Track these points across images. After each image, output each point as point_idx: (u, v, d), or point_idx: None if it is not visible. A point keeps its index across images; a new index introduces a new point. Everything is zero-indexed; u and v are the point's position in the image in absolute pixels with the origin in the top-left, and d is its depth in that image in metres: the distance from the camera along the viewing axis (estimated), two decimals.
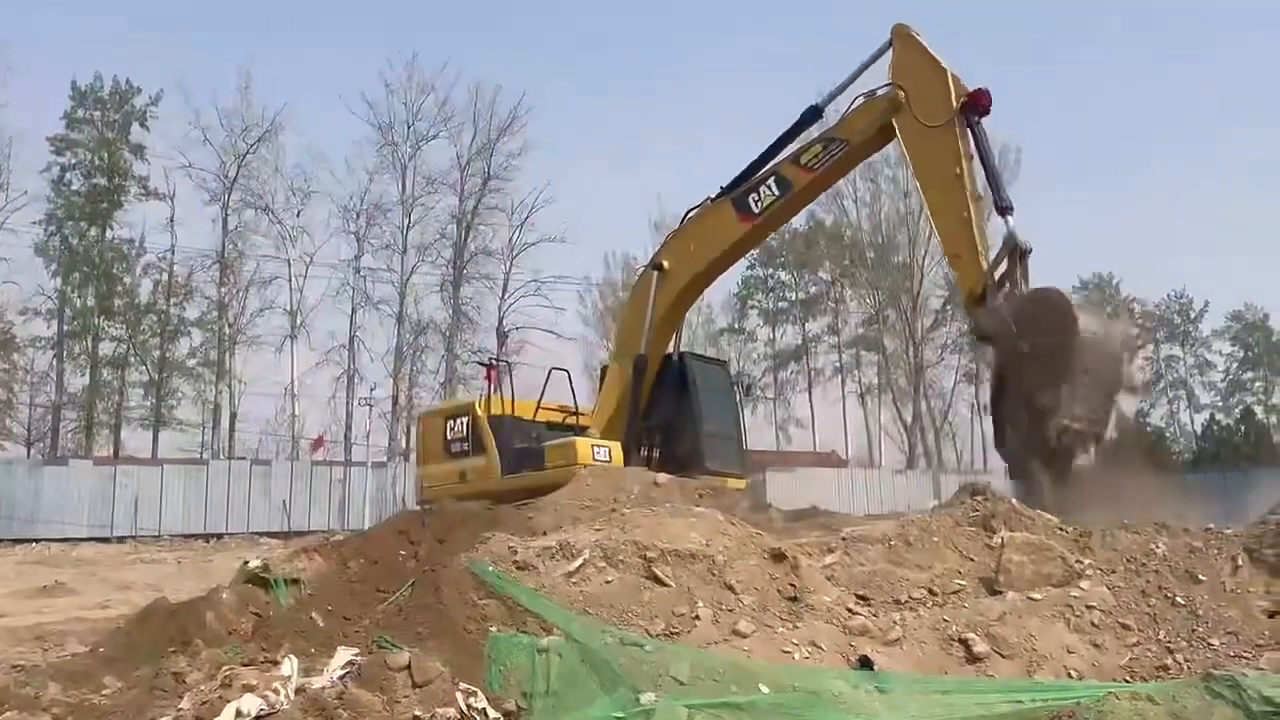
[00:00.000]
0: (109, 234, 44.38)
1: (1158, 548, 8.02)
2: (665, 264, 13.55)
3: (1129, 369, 10.68)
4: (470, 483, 12.90)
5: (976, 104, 11.10)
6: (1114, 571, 7.78)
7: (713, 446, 13.09)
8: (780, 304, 59.63)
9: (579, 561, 7.31)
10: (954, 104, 11.05)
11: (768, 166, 12.78)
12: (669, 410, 13.39)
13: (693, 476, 11.59)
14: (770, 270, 59.68)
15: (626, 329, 14.53)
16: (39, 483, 31.09)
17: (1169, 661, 6.80)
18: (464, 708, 5.49)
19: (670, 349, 14.03)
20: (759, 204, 12.65)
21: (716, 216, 13.12)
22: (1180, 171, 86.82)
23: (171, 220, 45.21)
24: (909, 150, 11.61)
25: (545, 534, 8.40)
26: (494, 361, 15.97)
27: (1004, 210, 10.94)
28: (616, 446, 12.64)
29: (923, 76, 11.36)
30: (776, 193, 12.55)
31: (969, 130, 11.06)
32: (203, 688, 5.55)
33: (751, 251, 13.99)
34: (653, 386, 13.46)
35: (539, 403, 13.77)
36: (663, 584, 7.17)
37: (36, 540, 29.01)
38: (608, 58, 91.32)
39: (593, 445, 12.60)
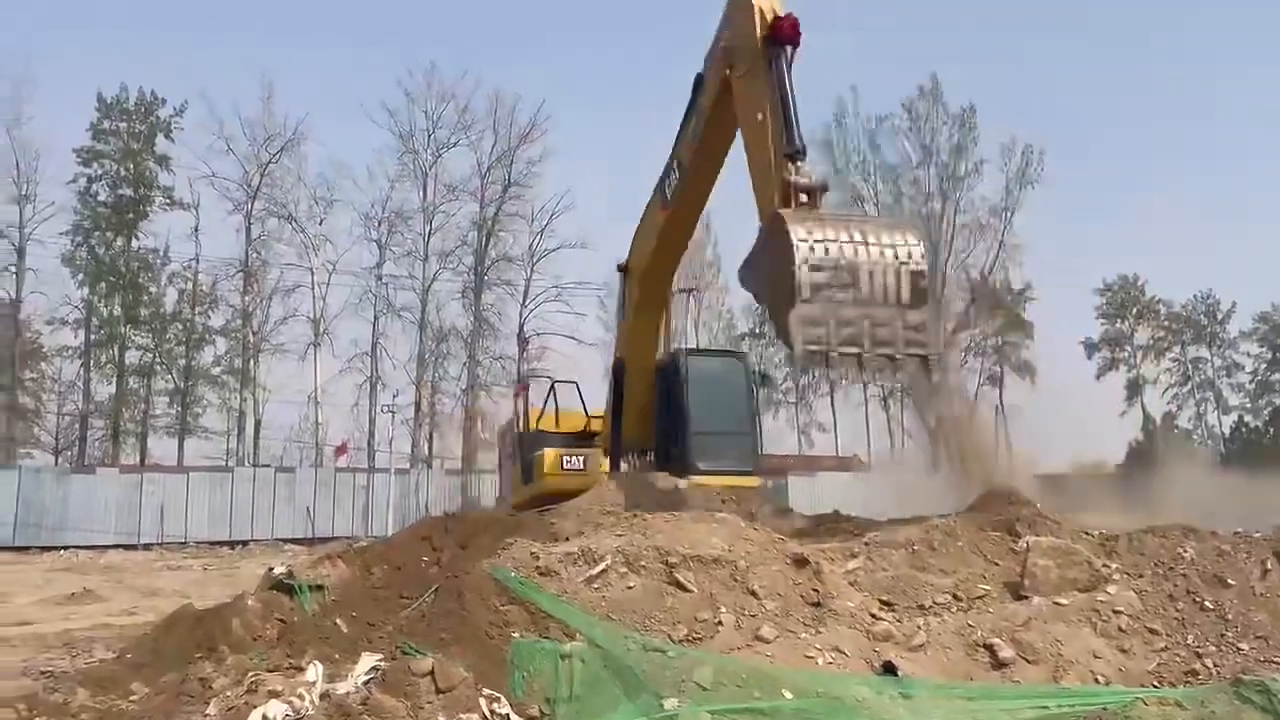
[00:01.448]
0: (135, 244, 44.97)
1: (1185, 551, 7.94)
2: (629, 265, 13.15)
3: (905, 274, 8.35)
4: (514, 494, 13.23)
5: (777, 36, 9.58)
6: (1141, 576, 7.71)
7: (704, 445, 12.64)
8: None
9: (601, 567, 7.31)
10: (758, 43, 9.65)
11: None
12: (666, 411, 13.09)
13: (684, 478, 11.42)
14: None
15: (617, 334, 14.46)
16: (67, 491, 31.47)
17: (1197, 666, 6.72)
18: (488, 713, 5.50)
19: (663, 349, 13.56)
20: (670, 189, 11.84)
21: (650, 209, 12.43)
22: (1207, 170, 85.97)
23: (196, 230, 45.76)
24: (735, 106, 10.21)
25: (567, 539, 8.40)
26: (526, 379, 16.08)
27: (791, 155, 9.18)
28: (595, 454, 12.65)
29: (740, 20, 10.03)
30: (677, 175, 11.70)
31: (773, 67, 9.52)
32: (229, 694, 5.59)
33: (687, 241, 12.87)
34: (654, 389, 13.26)
35: (534, 415, 13.88)
36: (685, 589, 7.16)
37: (64, 547, 29.36)
38: (626, 59, 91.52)
39: (562, 455, 12.64)
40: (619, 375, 13.21)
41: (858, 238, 8.36)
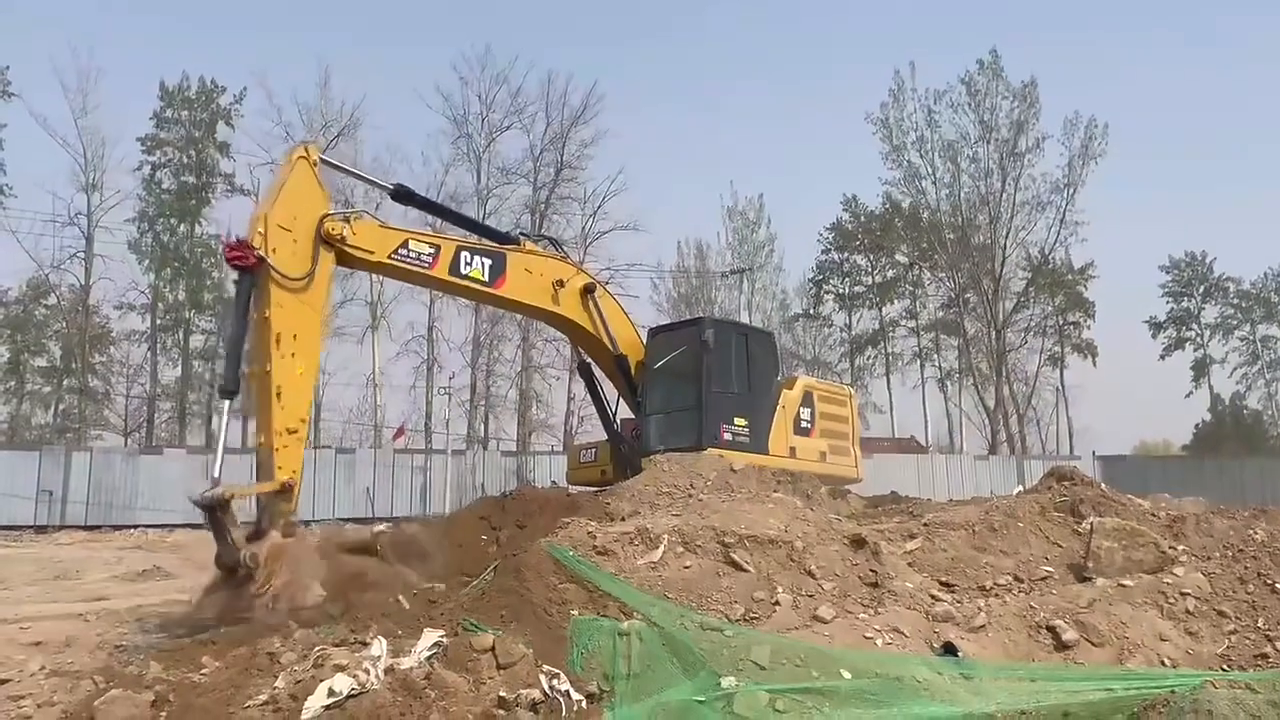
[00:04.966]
0: (198, 230, 45.85)
1: (1256, 533, 7.77)
2: None
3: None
4: None
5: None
6: (1209, 558, 7.56)
7: (659, 426, 12.55)
8: (856, 288, 58.87)
9: (659, 548, 7.33)
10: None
11: None
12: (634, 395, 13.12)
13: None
14: (846, 254, 58.93)
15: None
16: (136, 471, 32.29)
17: (1268, 650, 6.58)
18: (547, 689, 5.56)
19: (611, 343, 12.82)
20: None
21: None
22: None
23: None
24: None
25: (624, 519, 8.45)
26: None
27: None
28: (604, 445, 13.18)
29: None
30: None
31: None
32: (296, 668, 5.70)
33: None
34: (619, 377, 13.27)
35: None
36: (742, 569, 7.16)
37: (135, 526, 30.14)
38: (675, 45, 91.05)
39: (580, 449, 13.82)
40: (586, 376, 13.72)
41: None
